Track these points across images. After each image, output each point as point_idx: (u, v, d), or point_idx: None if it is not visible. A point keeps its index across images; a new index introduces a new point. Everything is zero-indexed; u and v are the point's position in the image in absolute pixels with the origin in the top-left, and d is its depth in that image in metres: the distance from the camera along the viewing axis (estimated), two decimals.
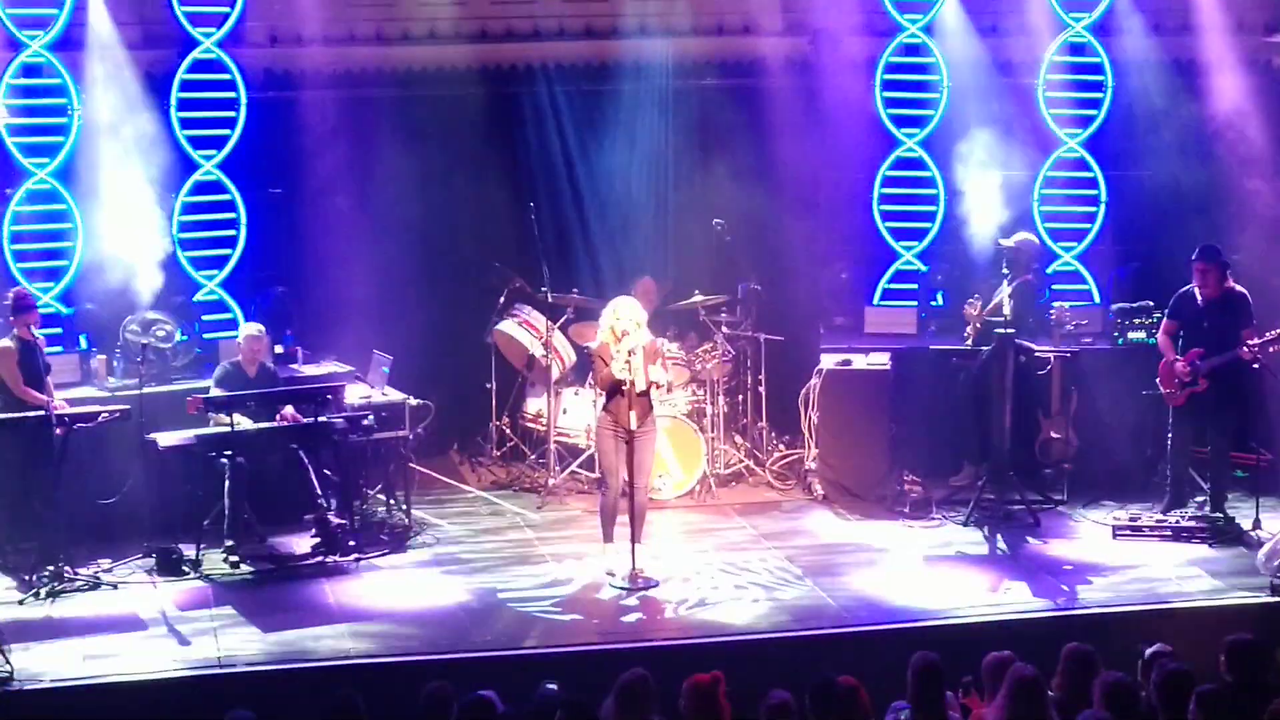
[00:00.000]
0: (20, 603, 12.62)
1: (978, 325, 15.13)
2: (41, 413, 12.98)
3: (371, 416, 14.01)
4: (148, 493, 13.55)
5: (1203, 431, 14.44)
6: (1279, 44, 16.69)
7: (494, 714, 8.79)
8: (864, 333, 16.28)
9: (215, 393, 13.81)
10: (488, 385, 16.19)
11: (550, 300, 15.88)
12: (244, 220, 15.70)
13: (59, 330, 14.61)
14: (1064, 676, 9.22)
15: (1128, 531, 14.04)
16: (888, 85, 16.67)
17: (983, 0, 16.66)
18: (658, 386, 13.17)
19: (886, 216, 16.78)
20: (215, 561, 13.43)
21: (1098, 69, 16.60)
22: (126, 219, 14.97)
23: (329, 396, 13.97)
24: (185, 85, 15.42)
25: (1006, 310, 14.53)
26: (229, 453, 13.45)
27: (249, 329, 14.46)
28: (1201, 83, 16.26)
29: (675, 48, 16.69)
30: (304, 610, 12.50)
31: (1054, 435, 15.15)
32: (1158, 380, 14.53)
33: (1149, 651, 9.64)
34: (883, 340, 15.97)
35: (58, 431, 13.01)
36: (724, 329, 16.00)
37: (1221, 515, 14.19)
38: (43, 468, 13.01)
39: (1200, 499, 14.49)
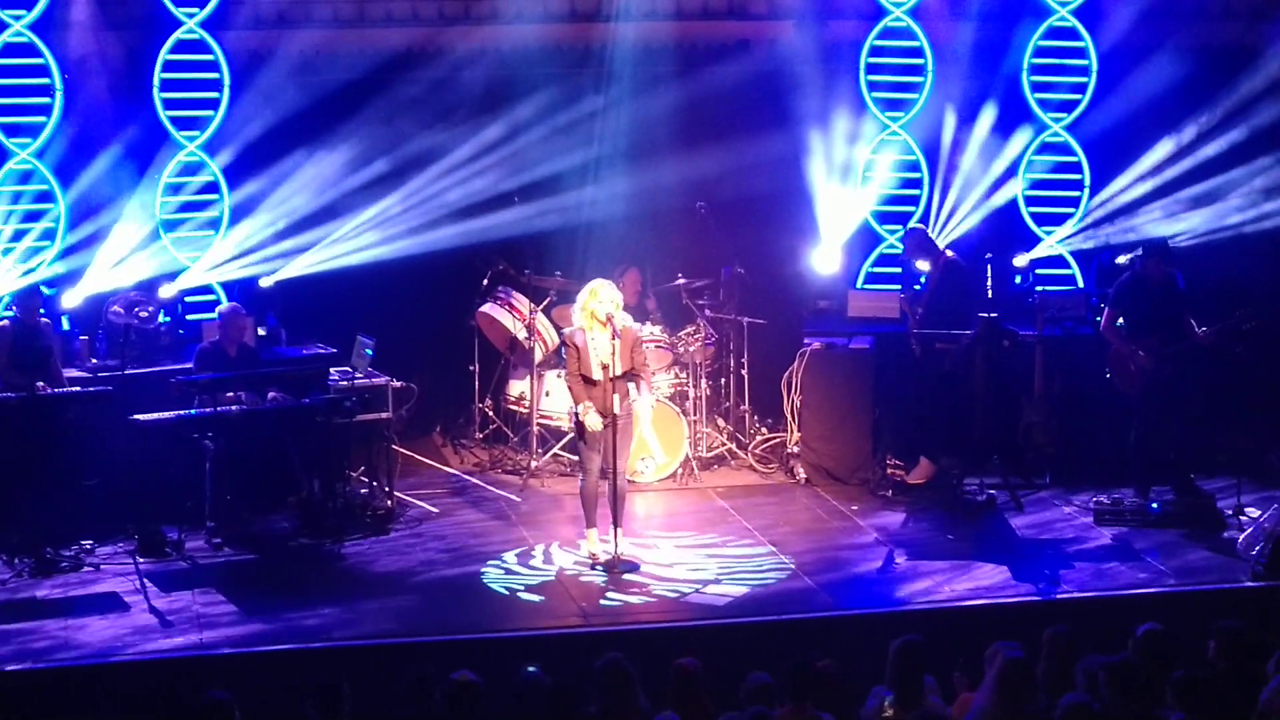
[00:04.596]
0: (3, 583, 12.60)
1: (914, 317, 15.17)
2: (24, 394, 13.01)
3: (354, 399, 13.98)
4: (130, 474, 13.51)
5: (1166, 418, 14.45)
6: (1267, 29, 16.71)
7: (478, 694, 8.81)
8: (848, 317, 16.28)
9: (198, 374, 13.79)
10: (470, 368, 16.19)
11: (533, 283, 15.88)
12: (227, 202, 15.69)
13: (41, 311, 14.58)
14: (1046, 661, 9.25)
15: (1110, 516, 14.06)
16: (871, 69, 16.68)
17: None
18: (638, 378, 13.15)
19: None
20: (197, 543, 13.42)
21: (1082, 54, 16.62)
22: (109, 200, 15.01)
23: (314, 378, 13.98)
24: (168, 66, 15.41)
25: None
26: (211, 434, 13.42)
27: (229, 307, 14.46)
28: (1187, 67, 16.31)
29: (659, 30, 16.66)
30: (286, 592, 12.47)
31: (1037, 419, 15.16)
32: (1107, 372, 14.59)
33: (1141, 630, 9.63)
34: (867, 325, 15.96)
35: None
36: (707, 312, 16.00)
37: (1195, 499, 14.24)
38: (27, 448, 12.99)
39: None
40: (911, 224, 16.29)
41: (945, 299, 15.05)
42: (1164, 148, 16.31)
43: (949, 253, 15.40)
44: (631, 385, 13.06)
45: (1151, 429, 14.41)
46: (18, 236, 15.01)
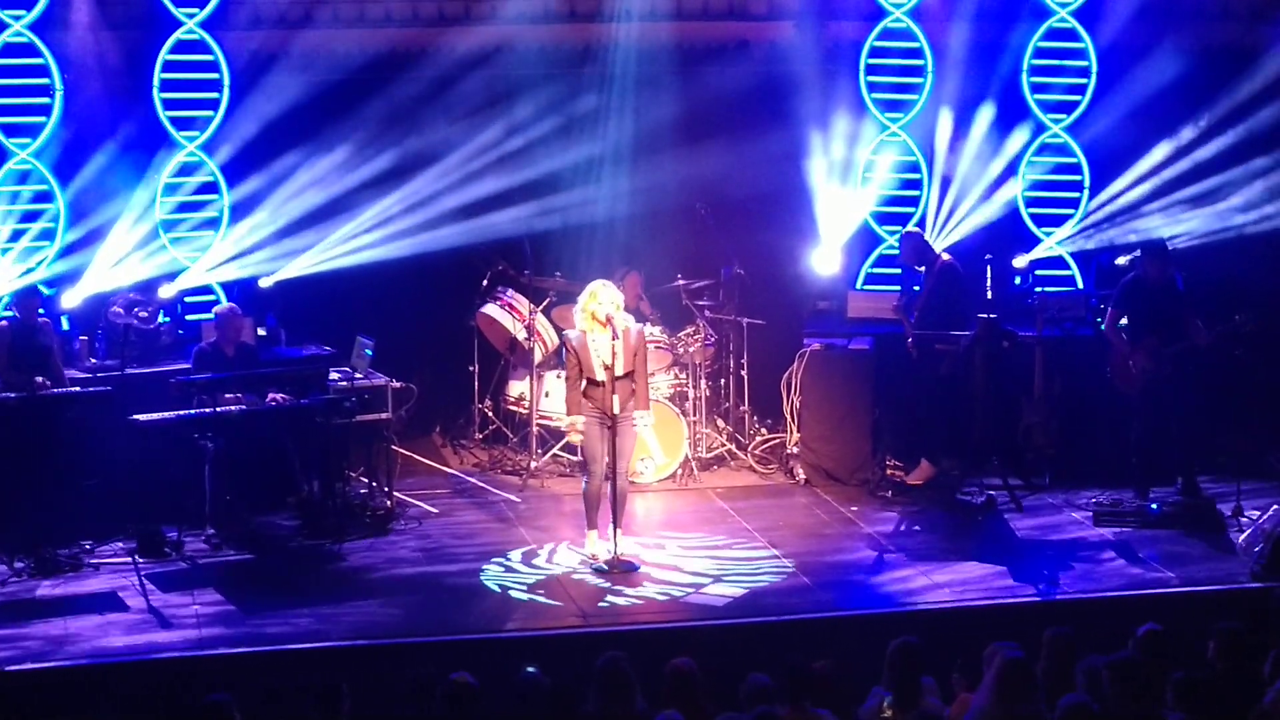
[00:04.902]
0: (2, 584, 12.60)
1: (909, 323, 15.11)
2: (23, 394, 13.02)
3: (354, 399, 13.97)
4: (130, 474, 13.49)
5: (1167, 418, 14.45)
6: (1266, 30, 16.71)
7: (475, 695, 8.82)
8: (847, 317, 16.28)
9: (196, 375, 13.78)
10: (470, 368, 16.18)
11: (533, 283, 15.88)
12: (227, 202, 15.69)
13: (40, 310, 14.57)
14: (1047, 662, 9.25)
15: (1109, 516, 14.06)
16: (871, 69, 16.67)
17: None
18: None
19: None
20: (197, 543, 13.41)
21: (1082, 54, 16.63)
22: (109, 200, 15.03)
23: (313, 378, 13.98)
24: (168, 66, 15.41)
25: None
26: (211, 435, 13.41)
27: (225, 308, 14.47)
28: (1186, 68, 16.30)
29: (660, 31, 16.65)
30: (285, 592, 12.46)
31: (1036, 421, 15.15)
32: (1109, 372, 14.60)
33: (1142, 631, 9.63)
34: (866, 325, 15.96)
35: None
36: (706, 313, 15.99)
37: (1196, 500, 14.25)
38: (26, 449, 12.98)
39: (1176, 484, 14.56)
40: (909, 227, 16.30)
41: (941, 302, 15.06)
42: (1163, 149, 16.30)
43: (945, 256, 15.41)
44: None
45: (1151, 430, 14.43)
46: (16, 236, 15.00)
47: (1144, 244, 15.00)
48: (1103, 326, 14.83)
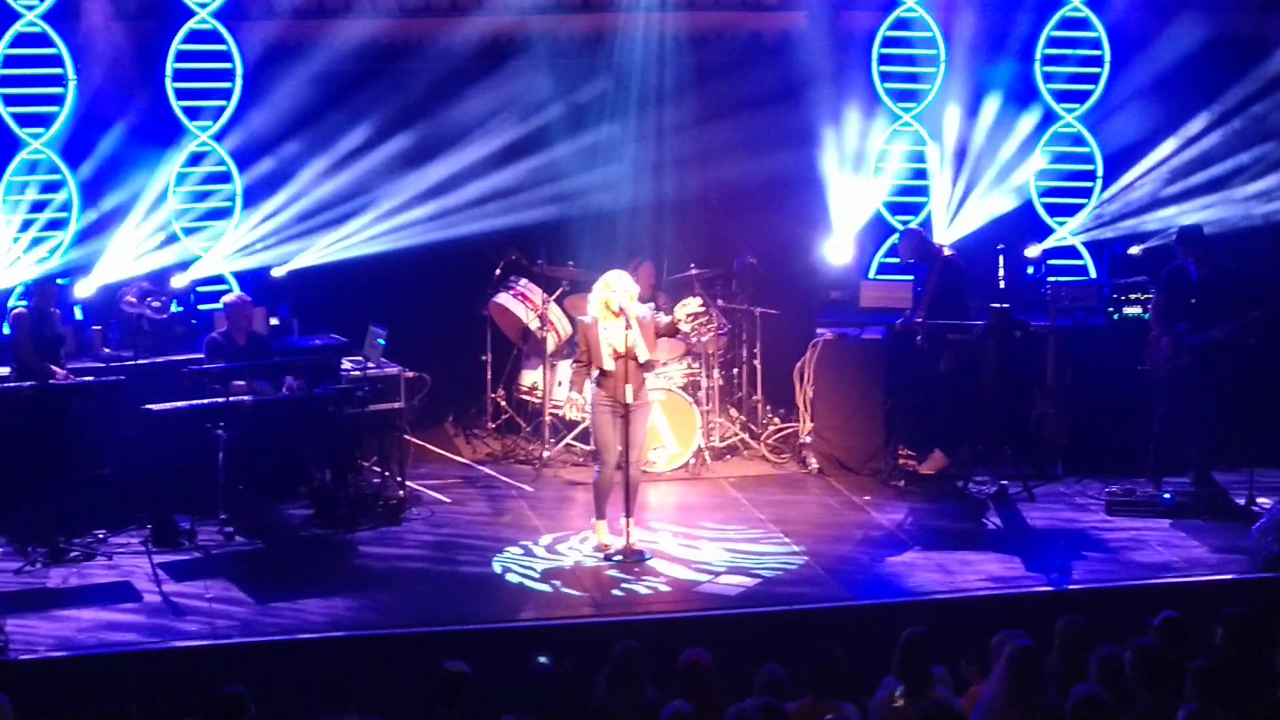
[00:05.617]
0: (16, 573, 12.62)
1: (916, 325, 15.07)
2: (37, 383, 13.05)
3: (367, 388, 13.97)
4: (143, 464, 13.51)
5: (1190, 405, 14.42)
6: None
7: (469, 684, 8.83)
8: (860, 307, 16.26)
9: (208, 364, 13.80)
10: (483, 357, 16.19)
11: (546, 273, 15.88)
12: (240, 191, 15.70)
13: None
14: (1060, 651, 9.25)
15: (1122, 506, 14.05)
16: (884, 59, 16.66)
17: None
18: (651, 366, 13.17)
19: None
20: (210, 533, 13.42)
21: (1095, 44, 16.61)
22: (121, 190, 15.05)
23: (326, 367, 13.99)
24: (181, 56, 15.43)
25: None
26: (223, 424, 13.41)
27: (234, 297, 14.49)
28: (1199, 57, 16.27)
29: (672, 21, 16.64)
30: (298, 582, 12.47)
31: (1049, 411, 15.13)
32: (1145, 354, 14.59)
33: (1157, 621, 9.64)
34: (879, 315, 15.94)
35: None
36: (719, 302, 15.99)
37: (1209, 489, 14.22)
38: (40, 438, 13.00)
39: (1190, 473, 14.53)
40: (913, 224, 16.27)
41: (946, 296, 15.02)
42: (1176, 138, 16.28)
43: (948, 250, 15.38)
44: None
45: (1172, 417, 14.39)
46: (26, 226, 15.02)
47: (1179, 231, 14.86)
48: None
